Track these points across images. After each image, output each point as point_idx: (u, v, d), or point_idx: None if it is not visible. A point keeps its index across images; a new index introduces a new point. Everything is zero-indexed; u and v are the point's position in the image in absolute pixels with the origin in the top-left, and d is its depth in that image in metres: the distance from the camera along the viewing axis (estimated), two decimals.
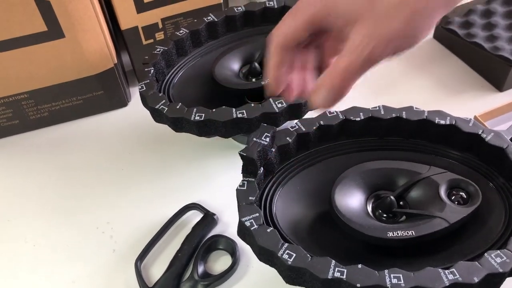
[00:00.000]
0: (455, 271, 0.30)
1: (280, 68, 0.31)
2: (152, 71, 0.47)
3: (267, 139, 0.37)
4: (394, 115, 0.40)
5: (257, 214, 0.34)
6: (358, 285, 0.30)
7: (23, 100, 0.53)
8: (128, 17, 0.53)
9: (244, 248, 0.44)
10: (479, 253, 0.34)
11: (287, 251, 0.32)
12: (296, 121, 0.40)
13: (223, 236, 0.44)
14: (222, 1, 0.57)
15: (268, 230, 0.34)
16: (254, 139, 0.37)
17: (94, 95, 0.55)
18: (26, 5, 0.45)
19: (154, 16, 0.55)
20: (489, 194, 0.37)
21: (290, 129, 0.40)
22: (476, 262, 0.31)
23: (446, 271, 0.30)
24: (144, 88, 0.45)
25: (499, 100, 0.54)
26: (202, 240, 0.44)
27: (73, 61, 0.51)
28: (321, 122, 0.40)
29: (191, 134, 0.44)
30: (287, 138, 0.39)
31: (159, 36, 0.57)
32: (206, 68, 0.51)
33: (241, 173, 0.37)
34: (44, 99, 0.54)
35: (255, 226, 0.34)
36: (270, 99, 0.42)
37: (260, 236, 0.33)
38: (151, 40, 0.57)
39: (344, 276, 0.31)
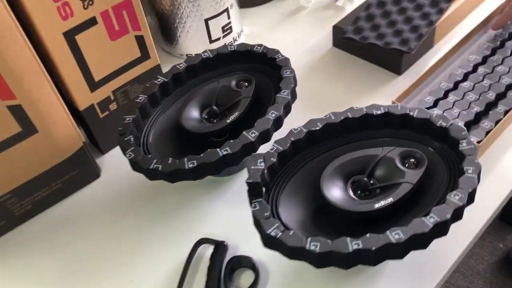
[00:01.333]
0: (433, 215, 0.41)
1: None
2: (132, 138, 0.53)
3: (262, 164, 0.45)
4: (342, 117, 0.51)
5: (278, 224, 0.43)
6: (373, 248, 0.40)
7: (7, 200, 0.55)
8: (84, 98, 0.59)
9: (260, 260, 0.51)
10: (439, 200, 0.45)
11: (312, 243, 0.41)
12: (272, 143, 0.49)
13: (239, 256, 0.51)
14: (159, 63, 0.64)
15: (290, 233, 0.42)
16: (253, 167, 0.45)
17: (70, 175, 0.59)
18: None
19: (106, 90, 0.60)
20: (431, 156, 0.48)
21: (271, 151, 0.48)
22: (444, 204, 0.42)
23: (426, 218, 0.41)
24: (133, 155, 0.51)
25: (402, 82, 0.68)
26: (223, 266, 0.51)
27: (48, 151, 0.55)
28: (292, 139, 0.49)
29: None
30: (272, 159, 0.48)
31: (113, 107, 0.62)
32: (170, 121, 0.58)
33: (248, 197, 0.45)
34: (26, 193, 0.57)
35: (280, 233, 0.42)
36: (244, 132, 0.50)
37: (287, 239, 0.41)
38: (107, 112, 0.62)
39: (361, 246, 0.40)
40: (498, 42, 0.68)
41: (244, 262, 0.51)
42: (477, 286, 1.18)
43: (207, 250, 0.53)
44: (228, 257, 0.52)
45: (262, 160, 0.46)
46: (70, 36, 0.53)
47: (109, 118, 0.62)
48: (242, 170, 0.61)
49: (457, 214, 0.42)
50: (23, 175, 0.55)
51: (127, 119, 0.55)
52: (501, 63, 0.65)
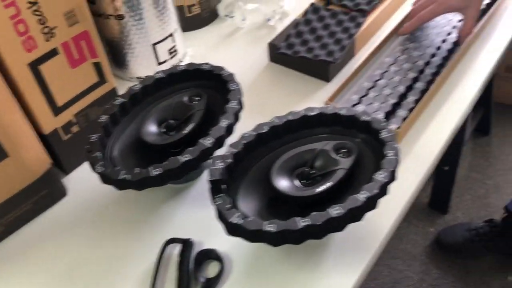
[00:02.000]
0: (363, 192, 0.50)
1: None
2: (99, 154, 0.58)
3: (221, 164, 0.53)
4: (284, 120, 0.60)
5: (239, 213, 0.50)
6: (318, 222, 0.48)
7: None
8: (48, 123, 0.64)
9: (224, 251, 0.58)
10: (368, 180, 0.54)
11: (268, 225, 0.49)
12: (227, 147, 0.57)
13: (205, 249, 0.58)
14: (115, 86, 0.70)
15: (250, 219, 0.50)
16: (212, 167, 0.52)
17: (39, 196, 0.64)
18: None
19: (68, 114, 0.65)
20: (359, 146, 0.58)
21: (227, 153, 0.56)
22: (372, 182, 0.51)
23: (360, 193, 0.50)
24: (103, 169, 0.57)
25: (331, 87, 0.78)
26: (191, 260, 0.57)
27: (18, 174, 0.60)
28: (244, 141, 0.57)
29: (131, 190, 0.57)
30: (228, 160, 0.55)
31: (75, 129, 0.67)
32: (132, 137, 0.64)
33: (211, 193, 0.53)
34: None
35: (241, 220, 0.50)
36: (200, 139, 0.58)
37: (247, 224, 0.49)
38: (70, 135, 0.67)
39: (308, 222, 0.48)
40: (407, 45, 0.80)
41: (210, 255, 0.58)
42: (415, 268, 1.31)
43: (175, 249, 0.60)
44: (195, 252, 0.59)
45: (220, 161, 0.53)
46: (34, 66, 0.58)
47: (72, 140, 0.67)
48: (198, 177, 0.68)
49: (383, 190, 0.51)
50: None
51: (93, 137, 0.60)
52: (407, 61, 0.77)
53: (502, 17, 0.87)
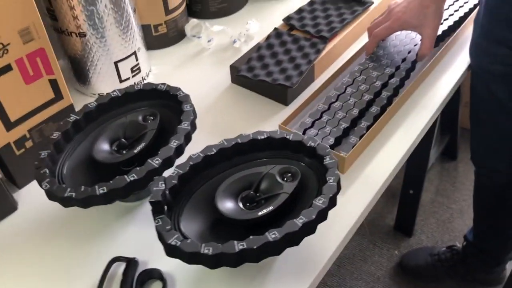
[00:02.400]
0: (301, 217, 0.51)
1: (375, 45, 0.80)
2: (47, 171, 0.59)
3: (163, 185, 0.54)
4: (233, 142, 0.61)
5: (177, 235, 0.51)
6: (255, 246, 0.49)
7: None
8: (0, 137, 0.64)
9: (167, 271, 0.59)
10: (309, 205, 0.56)
11: (205, 247, 0.50)
12: (173, 168, 0.58)
13: (148, 269, 0.59)
14: (72, 102, 0.71)
15: (188, 241, 0.50)
16: (154, 188, 0.53)
17: None
18: None
19: (22, 129, 0.66)
20: (304, 170, 0.59)
21: (172, 174, 0.57)
22: (310, 208, 0.52)
23: (298, 219, 0.51)
24: (48, 186, 0.57)
25: (288, 111, 0.79)
26: (134, 279, 0.58)
27: None
28: (191, 163, 0.58)
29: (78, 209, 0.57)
30: (173, 181, 0.56)
31: (28, 144, 0.68)
32: (83, 154, 0.64)
33: (152, 214, 0.53)
34: None
35: (179, 242, 0.50)
36: (148, 159, 0.59)
37: (185, 247, 0.50)
38: (23, 150, 0.67)
39: (245, 246, 0.49)
40: (367, 65, 0.82)
41: (153, 274, 0.59)
42: None
43: (120, 268, 0.60)
44: (138, 271, 0.59)
45: (162, 182, 0.54)
46: None
47: (25, 155, 0.68)
48: (149, 196, 0.69)
49: (322, 215, 0.53)
50: None
51: (43, 154, 0.61)
52: (364, 82, 0.78)
53: (462, 45, 0.90)
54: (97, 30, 0.75)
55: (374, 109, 0.74)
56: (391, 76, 0.79)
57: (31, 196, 0.69)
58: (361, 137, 0.70)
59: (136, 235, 0.64)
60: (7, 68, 0.60)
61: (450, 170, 1.63)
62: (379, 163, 0.71)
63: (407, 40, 0.85)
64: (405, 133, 0.75)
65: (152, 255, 0.61)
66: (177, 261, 0.56)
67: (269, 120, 0.79)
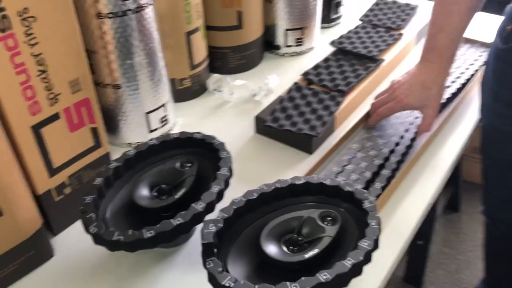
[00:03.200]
0: (349, 258, 0.53)
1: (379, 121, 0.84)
2: (93, 216, 0.60)
3: (213, 227, 0.55)
4: (273, 187, 0.63)
5: (230, 276, 0.52)
6: (308, 287, 0.50)
7: None
8: (43, 183, 0.65)
9: None
10: (353, 248, 0.57)
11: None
12: (218, 212, 0.59)
13: None
14: (109, 151, 0.73)
15: (242, 283, 0.51)
16: (206, 230, 0.55)
17: (27, 256, 0.64)
18: None
19: (63, 176, 0.67)
20: (343, 215, 0.61)
21: (217, 218, 0.58)
22: (357, 249, 0.54)
23: (346, 260, 0.53)
24: (96, 230, 0.58)
25: (313, 159, 0.82)
26: None
27: (9, 233, 0.60)
28: (234, 207, 0.60)
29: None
30: (219, 224, 0.58)
31: (67, 190, 0.69)
32: (124, 200, 0.66)
33: (203, 256, 0.54)
34: None
35: (233, 284, 0.51)
36: (192, 204, 0.60)
37: (238, 286, 0.51)
38: (62, 196, 0.69)
39: (298, 287, 0.50)
40: (372, 132, 0.85)
41: None
42: None
43: None
44: None
45: (213, 224, 0.56)
46: (36, 129, 0.61)
47: (63, 201, 0.69)
48: (185, 242, 0.70)
49: (368, 257, 0.54)
50: None
51: (87, 199, 0.62)
52: (373, 149, 0.81)
53: (466, 108, 0.96)
54: (132, 83, 0.79)
55: (386, 172, 0.76)
56: (397, 144, 0.82)
57: (66, 243, 0.70)
58: (377, 197, 0.73)
59: (176, 280, 0.64)
60: (56, 116, 0.63)
61: (454, 222, 1.66)
62: (398, 221, 0.73)
63: (407, 112, 0.88)
64: (420, 191, 0.77)
65: None
66: None
67: (293, 168, 0.82)
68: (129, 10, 0.72)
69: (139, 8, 0.73)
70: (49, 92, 0.61)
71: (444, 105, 0.89)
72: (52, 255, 0.67)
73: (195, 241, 0.69)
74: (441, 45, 0.80)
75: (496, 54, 0.84)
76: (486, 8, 1.16)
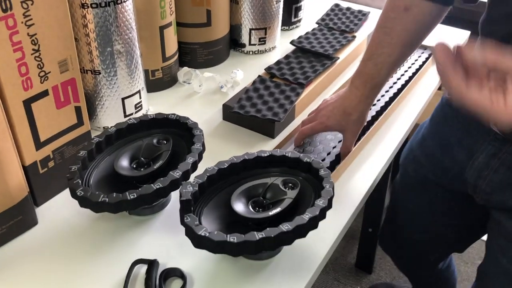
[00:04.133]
0: (307, 213, 0.62)
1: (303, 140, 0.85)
2: (79, 181, 0.67)
3: (190, 188, 0.63)
4: (241, 159, 0.71)
5: (205, 228, 0.60)
6: (272, 235, 0.59)
7: None
8: (30, 155, 0.71)
9: (186, 270, 0.67)
10: (310, 206, 0.66)
11: (231, 237, 0.59)
12: (193, 178, 0.67)
13: (169, 268, 0.66)
14: (90, 129, 0.79)
15: (215, 233, 0.59)
16: (184, 190, 0.63)
17: (15, 221, 0.69)
18: None
19: (47, 150, 0.73)
20: (302, 182, 0.71)
21: (193, 182, 0.66)
22: (314, 207, 0.63)
23: (304, 215, 0.62)
24: (83, 193, 0.65)
25: (275, 143, 0.92)
26: (156, 278, 0.65)
27: (0, 198, 0.66)
28: (207, 174, 0.68)
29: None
30: (194, 188, 0.66)
31: (51, 164, 0.75)
32: (105, 171, 0.73)
33: (181, 212, 0.62)
34: None
35: (208, 234, 0.59)
36: (170, 171, 0.68)
37: (214, 236, 0.59)
38: (45, 169, 0.74)
39: (264, 235, 0.59)
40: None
41: (173, 273, 0.66)
42: None
43: (142, 269, 0.67)
44: (159, 271, 0.66)
45: (190, 185, 0.64)
46: (27, 103, 0.67)
47: (46, 174, 0.75)
48: (161, 211, 0.77)
49: (322, 213, 0.64)
50: None
51: (73, 168, 0.69)
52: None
53: (404, 107, 1.08)
54: (110, 69, 0.86)
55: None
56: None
57: (49, 213, 0.75)
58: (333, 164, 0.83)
59: (152, 242, 0.72)
60: (45, 93, 0.69)
61: None
62: (353, 187, 0.84)
63: (332, 136, 0.92)
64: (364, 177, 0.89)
65: (170, 258, 0.68)
66: (193, 262, 0.65)
67: (258, 149, 0.90)
68: (111, 1, 0.80)
69: (120, 1, 0.81)
70: (40, 70, 0.67)
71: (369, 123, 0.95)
72: (36, 223, 0.73)
73: (167, 211, 0.77)
74: (368, 72, 0.79)
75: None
76: None
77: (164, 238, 0.72)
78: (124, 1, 0.82)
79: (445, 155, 0.91)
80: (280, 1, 1.18)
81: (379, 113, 0.98)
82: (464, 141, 0.86)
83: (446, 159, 0.91)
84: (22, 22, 0.62)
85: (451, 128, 0.89)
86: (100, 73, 0.86)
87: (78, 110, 0.76)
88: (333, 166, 0.85)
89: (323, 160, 0.86)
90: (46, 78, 0.68)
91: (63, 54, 0.69)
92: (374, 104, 0.98)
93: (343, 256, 1.60)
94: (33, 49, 0.65)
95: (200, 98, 1.05)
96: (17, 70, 0.64)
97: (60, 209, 0.76)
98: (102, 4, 0.79)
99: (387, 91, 1.03)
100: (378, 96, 0.99)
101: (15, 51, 0.63)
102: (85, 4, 0.78)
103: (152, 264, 0.66)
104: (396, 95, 1.03)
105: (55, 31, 0.67)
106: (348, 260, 1.59)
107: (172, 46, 1.03)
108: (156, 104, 1.02)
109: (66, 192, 0.79)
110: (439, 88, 1.24)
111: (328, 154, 0.87)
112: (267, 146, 0.91)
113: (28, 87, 0.66)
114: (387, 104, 1.00)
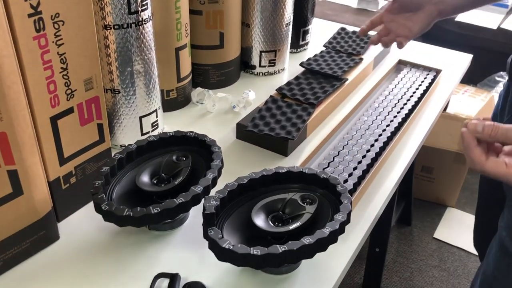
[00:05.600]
0: (327, 227, 0.64)
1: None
2: (104, 196, 0.68)
3: (214, 202, 0.65)
4: (260, 174, 0.73)
5: (229, 241, 0.61)
6: (295, 248, 0.60)
7: None
8: (54, 170, 0.73)
9: (208, 284, 0.68)
10: (329, 220, 0.68)
11: (254, 250, 0.60)
12: (215, 192, 0.69)
13: (191, 281, 0.67)
14: (110, 145, 0.81)
15: (239, 246, 0.61)
16: (208, 204, 0.64)
17: (38, 235, 0.70)
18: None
19: (70, 166, 0.75)
20: (319, 198, 0.72)
21: (214, 197, 0.68)
22: (333, 221, 0.65)
23: (325, 229, 0.63)
24: (108, 207, 0.66)
25: (288, 161, 0.94)
26: None
27: (26, 212, 0.67)
28: (228, 189, 0.70)
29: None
30: (216, 202, 0.67)
31: (72, 180, 0.77)
32: (127, 186, 0.74)
33: (204, 226, 0.64)
34: (2, 250, 0.66)
35: (232, 246, 0.61)
36: (192, 187, 0.70)
37: (238, 249, 0.60)
38: (68, 185, 0.76)
39: (287, 248, 0.61)
40: (351, 136, 0.99)
41: (195, 286, 0.67)
42: None
43: (164, 283, 0.68)
44: (181, 284, 0.67)
45: (213, 199, 0.65)
46: (54, 120, 0.69)
47: (68, 190, 0.76)
48: (179, 226, 0.78)
49: (342, 228, 0.65)
50: (3, 233, 0.66)
51: (97, 183, 0.70)
52: (356, 143, 0.95)
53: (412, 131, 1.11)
54: (129, 88, 0.88)
55: (358, 172, 0.89)
56: (368, 150, 0.93)
57: (70, 229, 0.77)
58: (354, 185, 0.85)
59: (173, 256, 0.73)
60: (71, 110, 0.71)
61: (407, 234, 1.80)
62: (369, 204, 0.86)
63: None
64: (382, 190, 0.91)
65: (191, 273, 0.70)
66: (214, 276, 0.67)
67: (272, 167, 0.92)
68: (133, 23, 0.83)
69: (141, 22, 0.84)
70: (67, 88, 0.69)
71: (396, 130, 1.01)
72: (58, 237, 0.74)
73: (186, 227, 0.78)
74: None
75: None
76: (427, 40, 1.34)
77: (184, 252, 0.73)
78: (145, 23, 0.85)
79: None
80: (289, 25, 1.21)
81: (389, 138, 0.99)
82: None
83: None
84: (53, 42, 0.64)
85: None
86: (119, 92, 0.88)
87: (100, 127, 0.78)
88: (355, 188, 0.86)
89: (345, 181, 0.85)
90: (72, 96, 0.71)
91: (88, 72, 0.72)
92: (384, 130, 1.00)
93: (350, 276, 1.61)
94: (62, 68, 0.67)
95: (213, 118, 1.08)
96: (46, 87, 0.66)
97: (80, 225, 0.77)
98: (124, 26, 0.82)
99: (395, 116, 1.05)
100: (387, 121, 1.02)
101: (45, 69, 0.65)
102: (108, 26, 0.81)
103: (174, 277, 0.67)
104: (404, 120, 1.05)
105: (82, 51, 0.69)
106: (355, 280, 1.59)
107: (186, 67, 1.06)
108: (171, 124, 1.04)
109: (86, 208, 0.80)
110: (444, 110, 1.27)
111: (350, 175, 0.87)
112: (281, 163, 0.93)
113: (56, 104, 0.69)
114: (396, 129, 1.02)
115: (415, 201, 1.85)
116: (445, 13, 0.96)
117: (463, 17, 2.40)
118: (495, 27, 2.36)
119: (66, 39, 0.66)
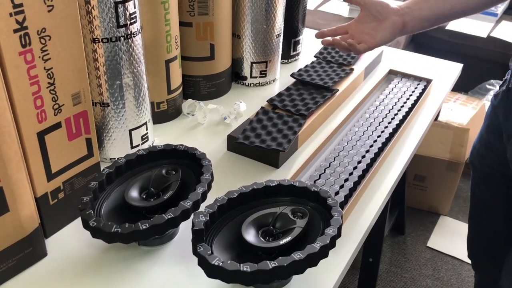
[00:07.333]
0: (318, 242, 0.63)
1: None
2: (92, 212, 0.67)
3: (203, 218, 0.64)
4: (250, 188, 0.73)
5: (218, 257, 0.61)
6: (285, 264, 0.60)
7: None
8: (41, 186, 0.72)
9: None
10: (320, 235, 0.68)
11: (244, 266, 0.59)
12: (205, 207, 0.68)
13: None
14: (99, 160, 0.80)
15: (229, 262, 0.60)
16: (197, 220, 0.63)
17: (25, 253, 0.69)
18: None
19: (58, 181, 0.74)
20: (310, 211, 0.72)
21: (204, 212, 0.67)
22: (324, 235, 0.64)
23: (315, 244, 0.63)
24: (96, 224, 0.65)
25: (279, 173, 0.93)
26: None
27: (12, 229, 0.66)
28: (217, 204, 0.69)
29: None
30: (205, 218, 0.67)
31: (61, 195, 0.76)
32: (115, 201, 0.73)
33: (193, 242, 0.63)
34: None
35: (221, 263, 0.60)
36: (181, 202, 0.69)
37: (227, 266, 0.59)
38: (56, 200, 0.75)
39: (277, 264, 0.60)
40: (342, 147, 0.98)
41: None
42: None
43: None
44: None
45: (202, 215, 0.65)
46: (41, 135, 0.68)
47: (56, 206, 0.75)
48: (169, 241, 0.77)
49: (332, 242, 0.65)
50: None
51: (85, 199, 0.69)
52: (347, 155, 0.94)
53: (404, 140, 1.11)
54: (119, 102, 0.88)
55: (349, 184, 0.88)
56: (359, 162, 0.93)
57: (58, 245, 0.75)
58: (345, 197, 0.85)
59: (162, 272, 0.72)
60: (58, 125, 0.70)
61: (400, 243, 1.80)
62: (360, 215, 0.85)
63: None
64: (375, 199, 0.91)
65: None
66: None
67: (263, 180, 0.92)
68: (122, 36, 0.82)
69: (130, 36, 0.84)
70: (55, 103, 0.69)
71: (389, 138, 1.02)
72: (46, 254, 0.73)
73: (176, 242, 0.77)
74: None
75: None
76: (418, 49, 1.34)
77: (174, 268, 0.72)
78: (134, 36, 0.84)
79: (497, 140, 1.04)
80: (280, 36, 1.21)
81: (380, 149, 0.99)
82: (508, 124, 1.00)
83: (497, 144, 1.05)
84: (39, 57, 0.64)
85: (498, 119, 1.05)
86: (108, 106, 0.88)
87: (88, 141, 0.77)
88: (346, 200, 0.85)
89: (336, 193, 0.85)
90: (59, 111, 0.70)
91: (76, 87, 0.71)
92: (375, 141, 1.00)
93: (343, 287, 1.60)
94: (49, 83, 0.67)
95: (204, 130, 1.07)
96: (33, 103, 0.65)
97: (68, 241, 0.76)
98: (113, 39, 0.82)
99: (386, 127, 1.05)
100: (378, 132, 1.02)
101: (32, 84, 0.64)
102: (96, 39, 0.81)
103: None
104: (395, 130, 1.05)
105: (70, 65, 0.69)
106: None
107: (177, 79, 1.05)
108: (161, 136, 1.03)
109: (74, 223, 0.79)
110: (436, 118, 1.27)
111: (341, 187, 0.87)
112: (272, 175, 0.93)
113: (43, 119, 0.68)
114: (388, 140, 1.02)
115: (408, 210, 1.85)
116: (411, 26, 0.93)
117: (454, 26, 2.42)
118: (485, 36, 2.38)
119: (53, 54, 0.66)
